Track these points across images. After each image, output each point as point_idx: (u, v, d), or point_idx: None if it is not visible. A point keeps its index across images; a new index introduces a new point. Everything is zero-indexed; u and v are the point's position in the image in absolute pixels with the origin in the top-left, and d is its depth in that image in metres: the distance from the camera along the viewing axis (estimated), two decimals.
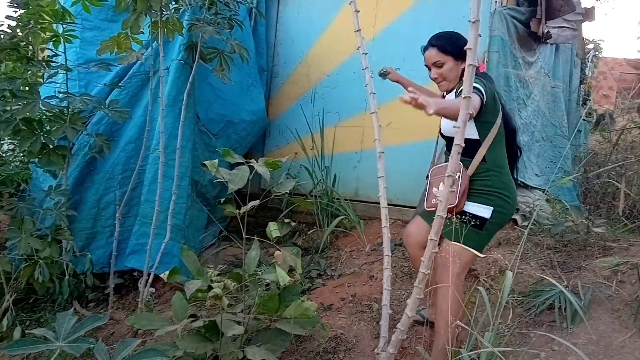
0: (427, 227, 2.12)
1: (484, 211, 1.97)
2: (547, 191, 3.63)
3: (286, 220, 2.11)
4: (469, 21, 1.26)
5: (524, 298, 2.56)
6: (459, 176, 1.93)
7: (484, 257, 2.09)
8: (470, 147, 1.92)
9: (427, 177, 2.20)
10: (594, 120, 6.82)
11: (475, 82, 1.80)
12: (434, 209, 1.81)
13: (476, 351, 1.82)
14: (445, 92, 2.17)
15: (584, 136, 5.02)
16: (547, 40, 3.86)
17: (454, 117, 1.78)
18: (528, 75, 3.84)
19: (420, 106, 1.54)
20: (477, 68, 1.98)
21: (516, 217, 3.45)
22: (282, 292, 2.07)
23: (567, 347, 1.87)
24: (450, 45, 2.03)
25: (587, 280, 2.54)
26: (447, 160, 2.12)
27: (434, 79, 2.11)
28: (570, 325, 2.23)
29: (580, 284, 2.45)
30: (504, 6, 3.53)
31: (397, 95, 3.95)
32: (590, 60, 6.87)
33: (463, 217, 1.94)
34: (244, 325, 1.99)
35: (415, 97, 1.49)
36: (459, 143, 1.48)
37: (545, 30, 3.72)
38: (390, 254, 1.40)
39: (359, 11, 1.81)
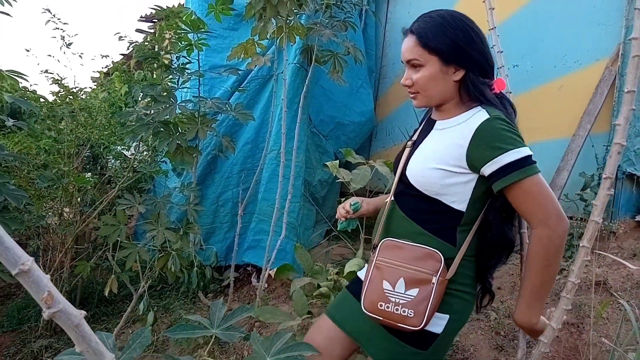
0: (340, 338, 1.36)
1: (435, 323, 1.20)
2: None
3: None
4: (635, 8, 1.12)
5: None
6: (435, 281, 1.15)
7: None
8: (443, 222, 1.22)
9: (373, 247, 1.32)
10: None
11: (509, 136, 1.16)
12: (377, 317, 1.20)
13: None
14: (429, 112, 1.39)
15: None
16: None
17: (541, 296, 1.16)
18: None
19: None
20: (491, 86, 1.24)
21: None
22: None
23: None
24: (438, 37, 1.18)
25: None
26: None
27: (405, 86, 1.28)
28: None
29: None
30: None
31: (527, 88, 3.64)
32: None
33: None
34: None
35: None
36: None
37: None
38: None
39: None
